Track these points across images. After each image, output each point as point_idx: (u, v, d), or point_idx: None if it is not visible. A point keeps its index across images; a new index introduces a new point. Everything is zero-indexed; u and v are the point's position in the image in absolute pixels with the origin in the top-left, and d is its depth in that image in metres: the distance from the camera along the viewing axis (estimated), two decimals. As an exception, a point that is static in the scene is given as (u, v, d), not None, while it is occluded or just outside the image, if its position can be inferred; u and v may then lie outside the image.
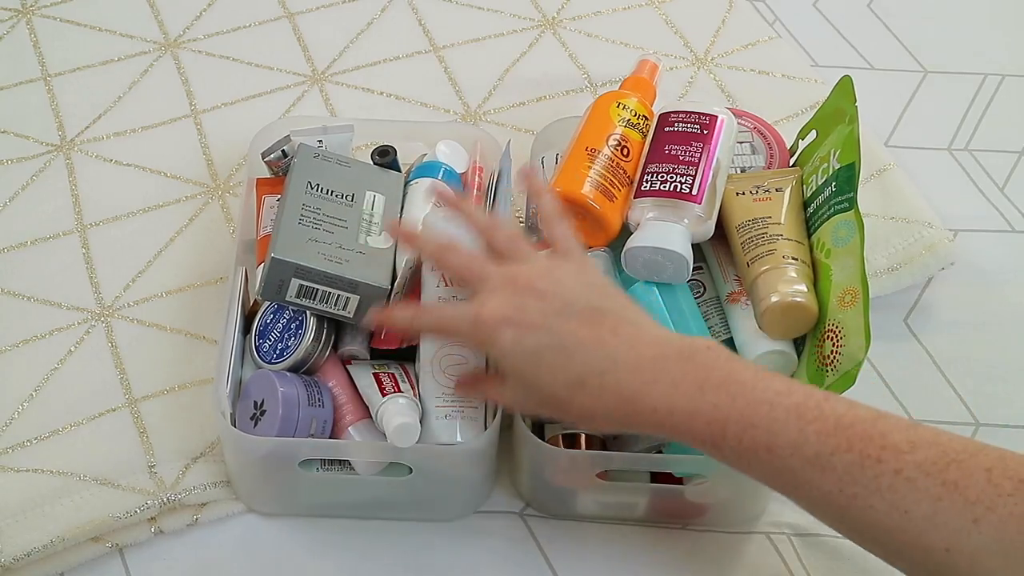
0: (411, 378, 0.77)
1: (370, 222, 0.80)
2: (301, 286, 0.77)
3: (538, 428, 0.78)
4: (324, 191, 0.81)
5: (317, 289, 0.77)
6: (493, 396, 0.74)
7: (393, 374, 0.77)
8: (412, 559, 0.78)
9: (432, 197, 0.83)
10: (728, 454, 0.63)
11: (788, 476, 0.61)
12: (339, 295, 0.77)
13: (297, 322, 0.78)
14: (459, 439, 0.74)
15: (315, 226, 0.78)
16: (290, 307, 0.79)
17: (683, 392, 0.63)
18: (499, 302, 0.67)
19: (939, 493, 0.57)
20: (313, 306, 0.77)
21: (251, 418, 0.75)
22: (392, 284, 0.78)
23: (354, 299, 0.77)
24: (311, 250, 0.77)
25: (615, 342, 0.65)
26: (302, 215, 0.79)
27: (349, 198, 0.81)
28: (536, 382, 0.67)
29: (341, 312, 0.77)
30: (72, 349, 0.86)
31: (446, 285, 0.77)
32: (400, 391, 0.75)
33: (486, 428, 0.75)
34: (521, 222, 0.92)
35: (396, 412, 0.73)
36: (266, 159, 0.87)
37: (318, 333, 0.77)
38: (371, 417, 0.76)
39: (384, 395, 0.75)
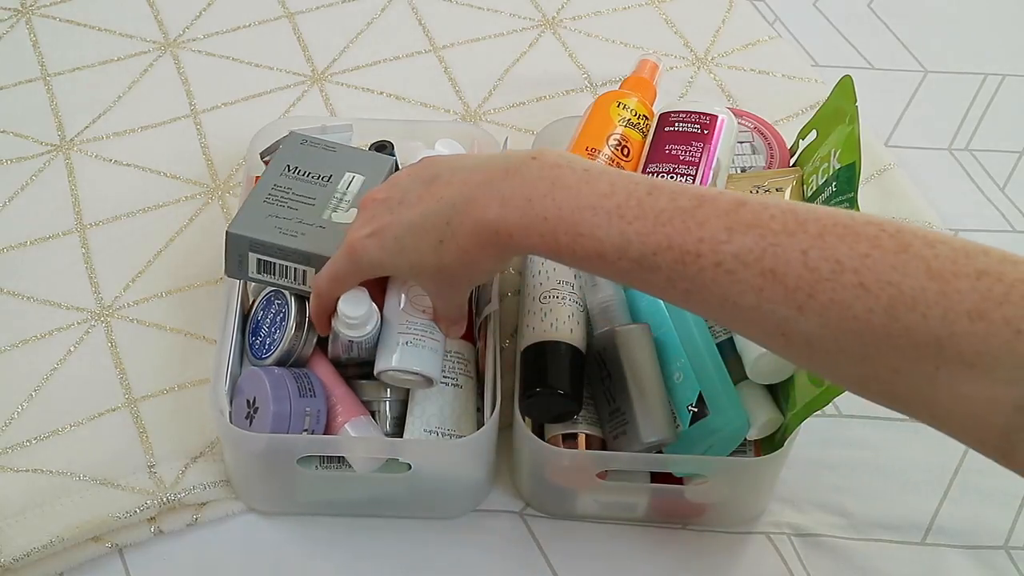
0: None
1: (340, 199, 0.80)
2: (259, 260, 0.78)
3: (538, 428, 0.78)
4: (301, 173, 0.82)
5: (274, 263, 0.77)
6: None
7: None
8: (412, 558, 0.78)
9: None
10: (570, 262, 0.62)
11: (626, 278, 0.61)
12: (296, 268, 0.77)
13: (281, 314, 0.78)
14: (417, 368, 0.74)
15: (280, 204, 0.79)
16: (275, 300, 0.79)
17: (515, 205, 0.62)
18: (356, 224, 0.70)
19: (760, 284, 0.56)
20: (275, 281, 0.78)
21: (246, 416, 0.75)
22: None
23: (311, 272, 0.77)
24: (267, 224, 0.78)
25: (449, 191, 0.65)
26: (270, 194, 0.80)
27: (325, 179, 0.81)
28: (416, 267, 0.68)
29: (302, 286, 0.78)
30: (72, 349, 0.86)
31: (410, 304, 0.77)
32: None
33: (485, 424, 0.75)
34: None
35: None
36: (266, 159, 0.87)
37: (299, 322, 0.77)
38: (365, 414, 0.76)
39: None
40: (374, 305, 0.75)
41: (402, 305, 0.76)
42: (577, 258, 0.61)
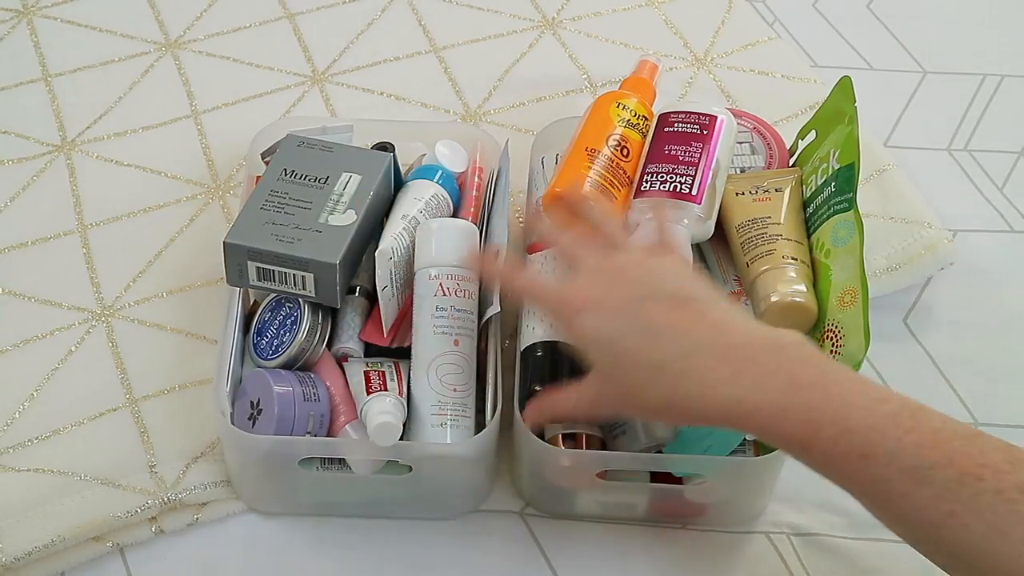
0: (401, 376, 0.77)
1: (337, 201, 0.80)
2: (259, 268, 0.78)
3: (538, 428, 0.78)
4: (298, 176, 0.82)
5: (273, 270, 0.77)
6: (568, 405, 0.69)
7: (383, 372, 0.77)
8: (412, 558, 0.78)
9: (419, 202, 0.83)
10: (817, 457, 0.60)
11: (881, 487, 0.58)
12: (295, 274, 0.77)
13: (292, 318, 0.78)
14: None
15: (277, 209, 0.79)
16: (285, 304, 0.79)
17: (773, 386, 0.60)
18: (587, 283, 0.67)
19: None
20: (275, 288, 0.78)
21: (249, 418, 0.75)
22: (340, 259, 0.77)
23: (309, 277, 0.77)
24: (264, 232, 0.78)
25: (700, 327, 0.63)
26: (267, 200, 0.80)
27: (322, 180, 0.81)
28: (615, 370, 0.64)
29: (302, 291, 0.78)
30: (73, 349, 0.86)
31: (444, 295, 0.77)
32: (386, 390, 0.75)
33: (486, 426, 0.75)
34: (521, 222, 0.93)
35: (378, 411, 0.73)
36: (266, 159, 0.88)
37: (312, 328, 0.78)
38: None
39: (369, 393, 0.75)
40: None
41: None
42: (833, 454, 0.59)
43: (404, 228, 0.80)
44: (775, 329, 0.64)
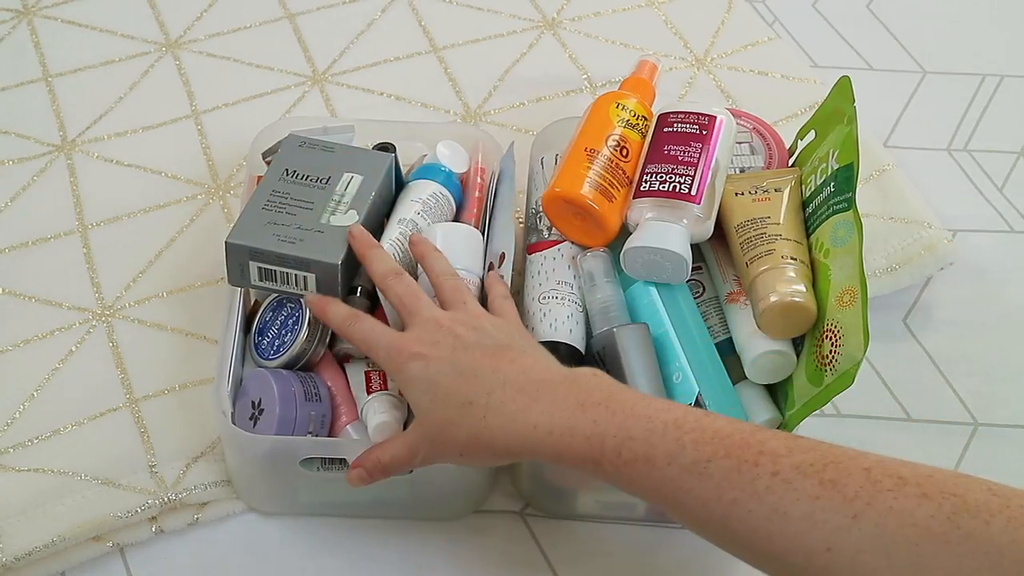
0: None
1: (339, 202, 0.80)
2: (260, 268, 0.78)
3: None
4: (299, 176, 0.82)
5: (275, 271, 0.78)
6: (385, 456, 0.70)
7: (383, 372, 0.77)
8: (412, 558, 0.78)
9: (417, 203, 0.83)
10: (608, 469, 0.62)
11: (667, 487, 0.61)
12: (296, 274, 0.77)
13: (294, 318, 0.78)
14: None
15: (279, 210, 0.79)
16: (287, 304, 0.79)
17: (562, 408, 0.64)
18: (417, 335, 0.70)
19: (817, 492, 0.56)
20: (277, 288, 0.79)
21: (250, 417, 0.75)
22: (343, 259, 0.77)
23: (311, 277, 0.77)
24: (266, 232, 0.78)
25: (509, 368, 0.67)
26: (268, 200, 0.80)
27: (324, 181, 0.81)
28: (431, 409, 0.67)
29: (304, 292, 0.78)
30: (73, 349, 0.86)
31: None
32: (386, 389, 0.75)
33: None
34: (521, 222, 0.93)
35: (378, 410, 0.73)
36: (267, 159, 0.88)
37: (313, 329, 0.78)
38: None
39: (370, 393, 0.75)
40: None
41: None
42: (619, 463, 0.62)
43: (401, 233, 0.81)
44: (574, 368, 0.68)
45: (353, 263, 0.79)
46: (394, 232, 0.81)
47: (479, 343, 0.69)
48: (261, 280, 0.79)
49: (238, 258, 0.78)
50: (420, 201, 0.83)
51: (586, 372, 0.67)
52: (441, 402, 0.67)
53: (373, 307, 0.81)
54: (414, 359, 0.68)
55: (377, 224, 0.82)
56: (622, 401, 0.64)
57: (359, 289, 0.81)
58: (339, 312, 0.74)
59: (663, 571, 0.79)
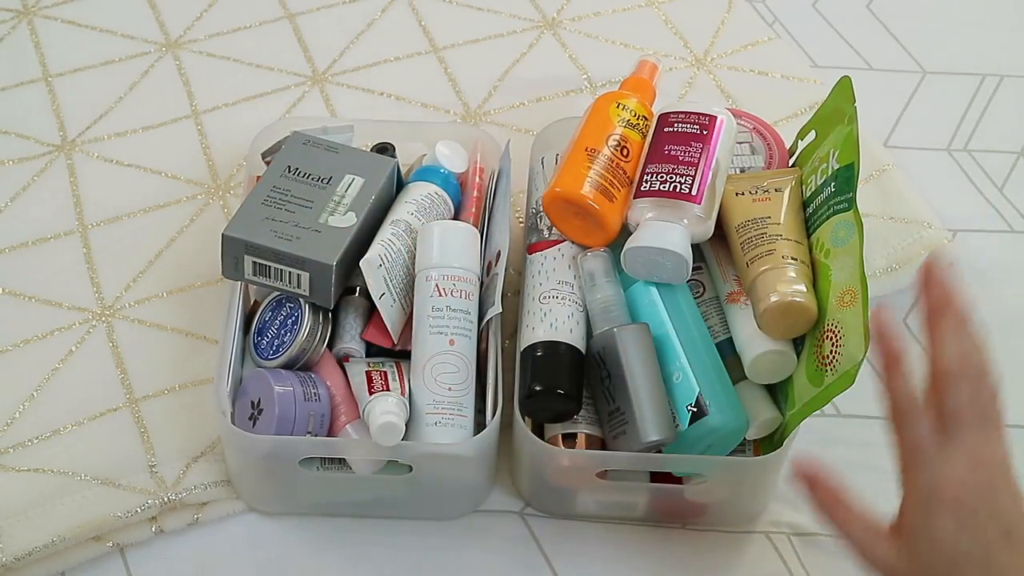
0: (403, 376, 0.77)
1: (338, 203, 0.80)
2: (255, 263, 0.78)
3: (538, 428, 0.78)
4: (301, 174, 0.82)
5: (270, 266, 0.78)
6: (858, 536, 0.65)
7: (385, 372, 0.77)
8: (412, 558, 0.78)
9: (411, 204, 0.83)
10: None
11: None
12: (291, 272, 0.77)
13: (293, 318, 0.78)
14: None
15: (278, 206, 0.79)
16: (286, 304, 0.79)
17: None
18: (960, 474, 0.61)
19: None
20: (271, 284, 0.78)
21: (249, 417, 0.75)
22: (337, 260, 0.77)
23: (305, 276, 0.77)
24: (263, 228, 0.78)
25: None
26: (268, 196, 0.80)
27: (325, 180, 0.81)
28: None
29: (297, 290, 0.78)
30: (73, 349, 0.86)
31: (439, 295, 0.77)
32: (389, 389, 0.75)
33: (486, 426, 0.75)
34: (521, 222, 0.93)
35: (382, 411, 0.73)
36: (267, 159, 0.88)
37: (313, 329, 0.78)
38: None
39: (372, 393, 0.75)
40: None
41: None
42: None
43: (393, 234, 0.80)
44: None
45: (348, 264, 0.79)
46: (387, 233, 0.81)
47: (1010, 534, 0.59)
48: (255, 275, 0.79)
49: (233, 251, 0.78)
50: (415, 202, 0.83)
51: None
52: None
53: (372, 307, 0.81)
54: (949, 510, 0.60)
55: (375, 227, 0.82)
56: None
57: (358, 289, 0.82)
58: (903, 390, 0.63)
59: (663, 571, 0.79)
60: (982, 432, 0.62)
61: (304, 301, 0.78)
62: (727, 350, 0.79)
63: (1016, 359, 0.91)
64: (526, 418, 0.76)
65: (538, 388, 0.75)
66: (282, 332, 0.79)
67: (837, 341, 0.72)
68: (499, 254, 0.80)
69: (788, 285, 0.75)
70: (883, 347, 0.64)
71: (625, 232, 0.81)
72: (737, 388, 0.77)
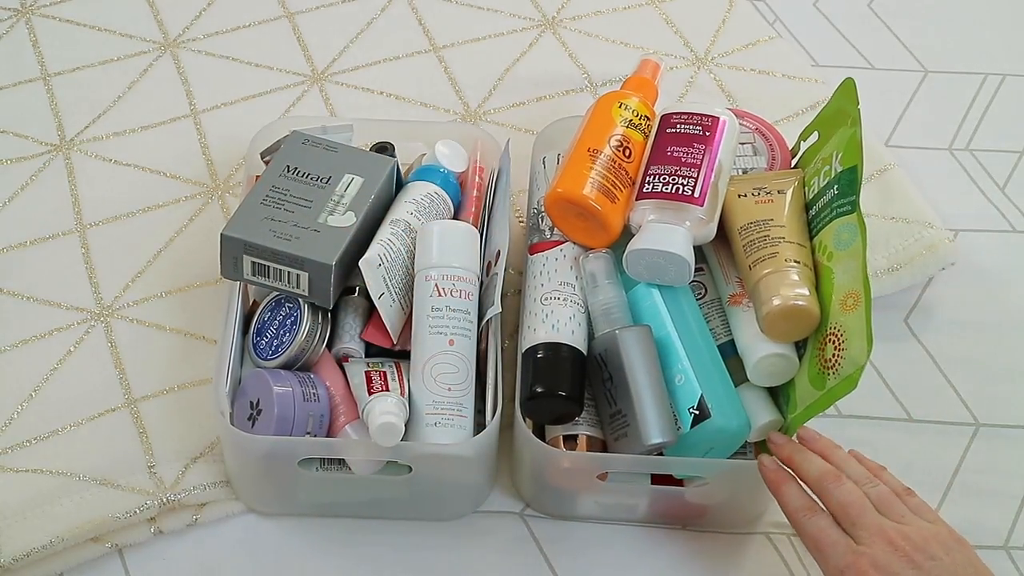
0: (402, 376, 0.77)
1: (337, 203, 0.80)
2: (254, 263, 0.78)
3: (539, 429, 0.78)
4: (300, 174, 0.82)
5: (268, 266, 0.78)
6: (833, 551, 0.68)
7: (384, 372, 0.77)
8: (412, 559, 0.78)
9: (411, 204, 0.83)
10: None
11: None
12: (290, 272, 0.77)
13: (292, 318, 0.78)
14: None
15: (277, 206, 0.79)
16: (285, 304, 0.79)
17: None
18: (877, 556, 0.66)
19: None
20: (269, 284, 0.78)
21: (248, 418, 0.75)
22: (336, 260, 0.77)
23: (304, 276, 0.77)
24: (262, 228, 0.78)
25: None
26: (267, 195, 0.80)
27: (324, 180, 0.81)
28: None
29: (296, 290, 0.78)
30: (72, 349, 0.86)
31: (439, 295, 0.77)
32: (388, 390, 0.75)
33: (486, 426, 0.75)
34: (521, 222, 0.92)
35: (381, 411, 0.73)
36: (266, 159, 0.87)
37: (312, 329, 0.78)
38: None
39: (371, 393, 0.75)
40: None
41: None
42: None
43: (392, 234, 0.80)
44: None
45: (347, 264, 0.79)
46: (386, 233, 0.80)
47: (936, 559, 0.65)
48: (254, 275, 0.78)
49: (232, 251, 0.78)
50: (414, 202, 0.83)
51: None
52: None
53: (372, 307, 0.81)
54: None
55: (374, 227, 0.82)
56: None
57: (357, 289, 0.81)
58: (795, 500, 0.71)
59: (663, 571, 0.79)
60: (876, 517, 0.68)
61: (303, 301, 0.78)
62: (729, 352, 0.79)
63: (1018, 359, 0.91)
64: (527, 420, 0.76)
65: (539, 390, 0.75)
66: (281, 332, 0.78)
67: (840, 345, 0.72)
68: (499, 254, 0.80)
69: (791, 288, 0.75)
70: (766, 476, 0.73)
71: (627, 233, 0.81)
72: (739, 391, 0.77)
